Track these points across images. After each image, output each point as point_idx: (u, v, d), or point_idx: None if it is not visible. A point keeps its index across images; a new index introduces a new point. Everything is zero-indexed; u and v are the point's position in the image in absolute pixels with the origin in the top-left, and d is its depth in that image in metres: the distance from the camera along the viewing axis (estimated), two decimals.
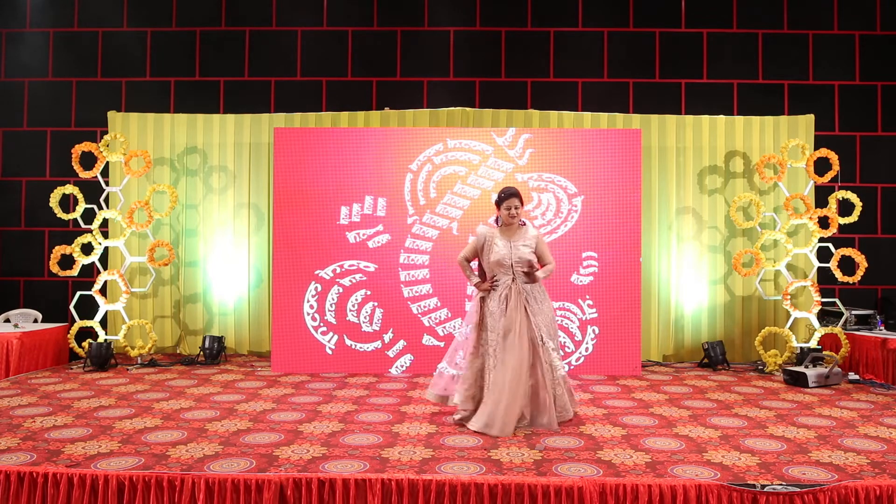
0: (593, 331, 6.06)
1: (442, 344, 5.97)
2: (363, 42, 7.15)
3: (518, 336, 4.04)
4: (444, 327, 6.03)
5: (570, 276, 6.05)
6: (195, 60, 7.18)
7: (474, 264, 4.43)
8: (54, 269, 6.28)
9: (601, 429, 4.09)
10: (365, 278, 6.06)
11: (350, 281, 6.07)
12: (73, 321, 6.34)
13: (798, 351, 6.18)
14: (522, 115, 6.88)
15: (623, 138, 6.15)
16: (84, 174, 6.40)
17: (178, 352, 6.90)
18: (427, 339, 6.03)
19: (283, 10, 7.15)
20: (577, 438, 3.88)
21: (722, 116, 6.87)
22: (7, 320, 6.55)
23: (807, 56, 7.08)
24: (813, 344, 6.13)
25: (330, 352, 6.04)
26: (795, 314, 6.29)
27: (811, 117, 6.84)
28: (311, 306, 6.05)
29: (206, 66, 7.19)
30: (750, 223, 6.51)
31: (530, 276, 4.13)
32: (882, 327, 6.26)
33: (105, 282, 6.54)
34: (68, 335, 6.29)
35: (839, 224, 6.29)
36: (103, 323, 6.49)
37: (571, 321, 6.06)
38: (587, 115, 6.86)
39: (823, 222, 6.45)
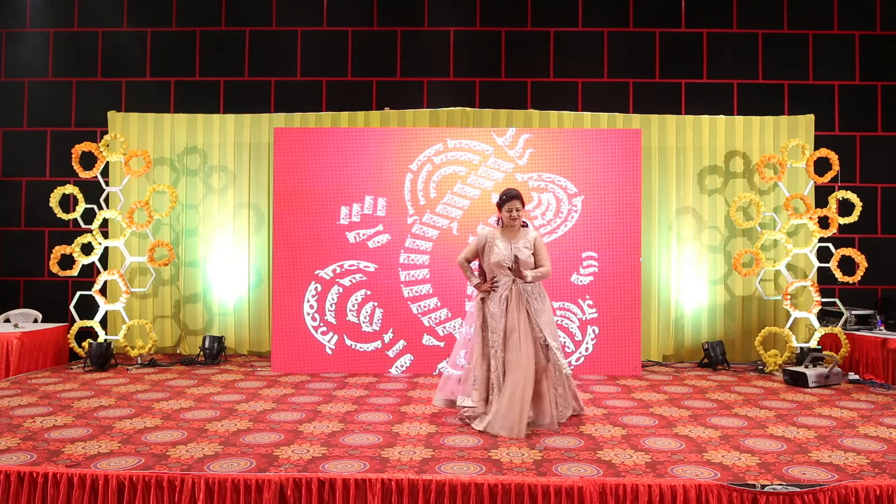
0: (593, 331, 6.06)
1: (442, 344, 5.97)
2: (363, 42, 7.15)
3: (523, 338, 4.03)
4: (444, 327, 6.03)
5: (570, 276, 6.05)
6: (195, 60, 7.18)
7: (475, 265, 4.42)
8: (54, 269, 6.28)
9: (601, 429, 4.09)
10: (365, 278, 6.06)
11: (350, 281, 6.07)
12: (73, 321, 6.35)
13: (798, 351, 6.18)
14: (522, 115, 6.88)
15: (623, 138, 6.15)
16: (84, 174, 6.40)
17: (178, 352, 6.90)
18: (427, 339, 6.03)
19: (283, 10, 7.15)
20: (577, 438, 3.88)
21: (722, 116, 6.87)
22: (7, 320, 6.55)
23: (807, 56, 7.08)
24: (813, 344, 6.13)
25: (330, 352, 6.04)
26: (795, 314, 6.29)
27: (811, 117, 6.84)
28: (311, 306, 6.05)
29: (206, 66, 7.19)
30: (750, 223, 6.51)
31: (517, 273, 4.07)
32: (882, 327, 6.26)
33: (105, 282, 6.54)
34: (68, 335, 6.29)
35: (839, 224, 6.29)
36: (103, 323, 6.49)
37: (571, 321, 6.05)
38: (587, 115, 6.86)
39: (823, 222, 6.45)
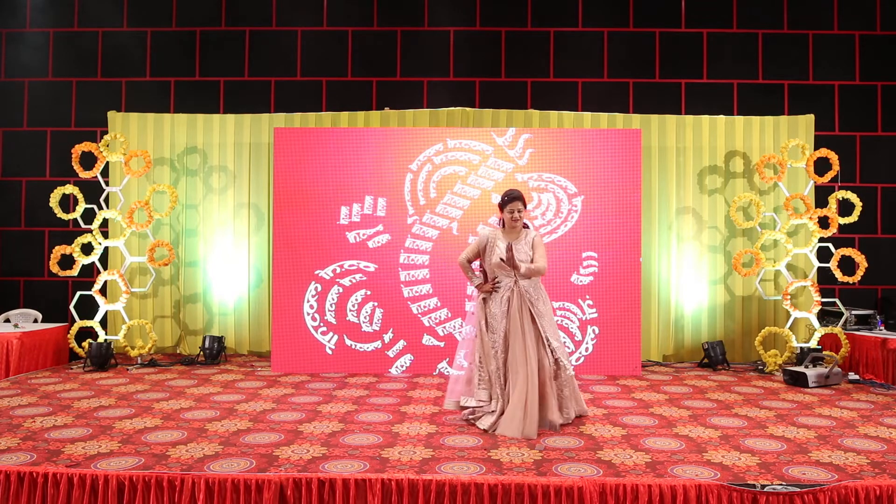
0: (593, 331, 6.06)
1: (442, 344, 5.97)
2: (363, 42, 7.15)
3: (528, 339, 4.02)
4: (444, 327, 6.03)
5: (570, 276, 6.05)
6: (195, 60, 7.18)
7: (476, 265, 4.42)
8: (54, 269, 6.28)
9: (601, 429, 4.09)
10: (365, 278, 6.06)
11: (350, 281, 6.07)
12: (73, 321, 6.34)
13: (798, 351, 6.18)
14: (522, 115, 6.88)
15: (623, 138, 6.15)
16: (84, 174, 6.40)
17: (178, 352, 6.90)
18: (427, 339, 6.03)
19: (283, 10, 7.15)
20: (577, 438, 3.88)
21: (722, 116, 6.87)
22: (7, 320, 6.55)
23: (807, 56, 7.08)
24: (813, 344, 6.13)
25: (330, 352, 6.04)
26: (795, 314, 6.29)
27: (811, 117, 6.84)
28: (311, 306, 6.05)
29: (206, 66, 7.19)
30: (750, 223, 6.51)
31: (510, 263, 4.04)
32: (882, 327, 6.26)
33: (105, 282, 6.54)
34: (68, 335, 6.29)
35: (839, 224, 6.29)
36: (103, 323, 6.49)
37: (571, 321, 6.05)
38: (587, 115, 6.86)
39: (823, 222, 6.45)
